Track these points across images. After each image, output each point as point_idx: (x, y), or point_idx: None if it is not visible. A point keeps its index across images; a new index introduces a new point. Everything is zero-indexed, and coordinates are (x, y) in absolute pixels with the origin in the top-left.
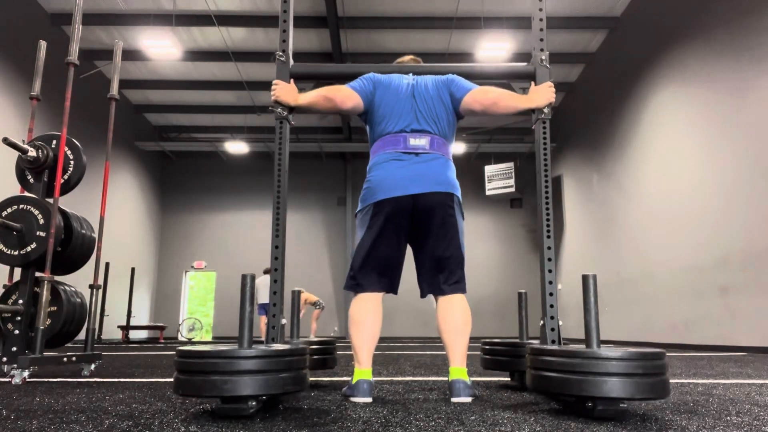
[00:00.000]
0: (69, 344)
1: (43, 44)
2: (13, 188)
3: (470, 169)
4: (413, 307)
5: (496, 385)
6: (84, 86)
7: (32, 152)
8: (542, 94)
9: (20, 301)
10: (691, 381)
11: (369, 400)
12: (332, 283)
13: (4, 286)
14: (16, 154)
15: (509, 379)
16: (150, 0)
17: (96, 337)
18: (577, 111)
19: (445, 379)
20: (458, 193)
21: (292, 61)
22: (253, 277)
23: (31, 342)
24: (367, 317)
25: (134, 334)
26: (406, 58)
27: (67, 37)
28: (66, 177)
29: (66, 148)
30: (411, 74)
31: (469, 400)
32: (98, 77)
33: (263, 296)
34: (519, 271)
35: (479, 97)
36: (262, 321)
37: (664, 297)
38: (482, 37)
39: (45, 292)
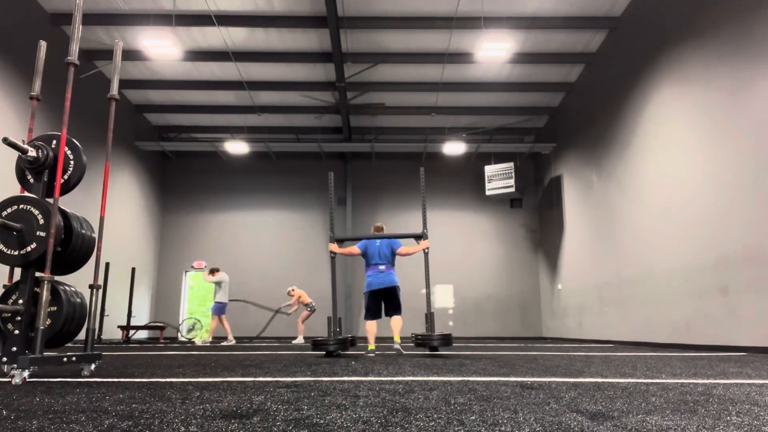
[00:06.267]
0: (69, 344)
1: (43, 44)
2: (13, 188)
3: (470, 170)
4: (411, 308)
5: (496, 384)
6: (84, 86)
7: (32, 152)
8: (424, 245)
9: (20, 301)
10: (691, 381)
11: (373, 355)
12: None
13: (4, 286)
14: (16, 154)
15: (424, 348)
16: (150, 0)
17: (96, 337)
18: (577, 111)
19: (445, 379)
20: (398, 284)
21: (335, 235)
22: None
23: (31, 342)
24: (372, 326)
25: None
26: (377, 225)
27: (67, 37)
28: (66, 177)
29: (66, 148)
30: (378, 240)
31: (399, 347)
32: (98, 77)
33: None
34: (519, 271)
35: (403, 250)
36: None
37: (664, 297)
38: (482, 37)
39: (45, 292)
